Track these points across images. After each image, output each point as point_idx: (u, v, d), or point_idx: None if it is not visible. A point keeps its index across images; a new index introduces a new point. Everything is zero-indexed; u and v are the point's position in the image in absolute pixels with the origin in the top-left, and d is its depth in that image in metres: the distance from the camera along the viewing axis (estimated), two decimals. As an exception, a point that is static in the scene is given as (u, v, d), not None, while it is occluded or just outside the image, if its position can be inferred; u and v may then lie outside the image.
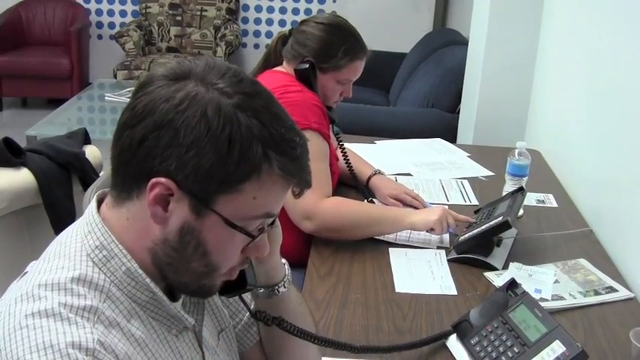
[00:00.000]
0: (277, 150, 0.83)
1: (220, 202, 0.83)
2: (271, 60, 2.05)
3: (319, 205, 1.76)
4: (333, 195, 1.85)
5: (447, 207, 1.91)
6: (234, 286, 0.97)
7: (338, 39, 1.91)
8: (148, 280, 0.87)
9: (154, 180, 0.81)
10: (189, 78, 0.83)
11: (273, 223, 0.93)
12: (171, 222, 0.84)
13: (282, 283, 1.07)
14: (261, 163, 0.82)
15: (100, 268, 0.85)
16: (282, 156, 0.83)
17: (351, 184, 2.12)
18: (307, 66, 1.91)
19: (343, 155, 2.08)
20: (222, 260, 0.88)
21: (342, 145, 2.08)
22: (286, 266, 1.09)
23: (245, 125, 0.81)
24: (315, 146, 1.79)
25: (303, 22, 2.00)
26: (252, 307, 1.10)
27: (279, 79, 1.92)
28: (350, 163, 2.09)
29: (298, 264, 1.67)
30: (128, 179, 0.85)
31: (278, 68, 2.01)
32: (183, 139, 0.80)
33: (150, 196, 0.82)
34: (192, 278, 0.89)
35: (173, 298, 0.92)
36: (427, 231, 1.81)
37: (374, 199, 2.07)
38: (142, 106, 0.82)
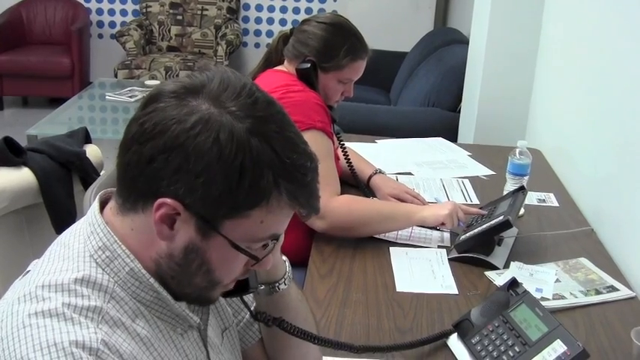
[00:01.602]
0: (288, 178, 0.82)
1: (227, 226, 0.83)
2: (272, 59, 2.05)
3: (330, 203, 1.76)
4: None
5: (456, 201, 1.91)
6: (236, 289, 0.97)
7: (340, 39, 1.91)
8: (152, 280, 0.87)
9: (160, 200, 0.81)
10: (200, 96, 0.82)
11: (277, 240, 0.92)
12: (177, 240, 0.84)
13: (283, 280, 1.07)
14: (272, 191, 0.82)
15: (103, 269, 0.85)
16: (292, 183, 0.83)
17: (352, 183, 2.12)
18: (309, 65, 1.91)
19: (344, 154, 2.08)
20: (225, 276, 0.89)
21: (343, 144, 2.08)
22: (287, 263, 1.09)
23: (257, 152, 0.80)
24: (321, 145, 1.80)
25: (304, 21, 2.00)
26: (253, 305, 1.10)
27: (280, 79, 1.92)
28: (351, 163, 2.09)
29: (299, 263, 1.67)
30: (134, 193, 0.84)
31: (279, 67, 2.01)
32: (194, 165, 0.79)
33: (156, 215, 0.82)
34: (194, 290, 0.89)
35: (177, 297, 0.91)
36: (437, 226, 1.82)
37: (375, 199, 2.07)
38: (151, 124, 0.80)
